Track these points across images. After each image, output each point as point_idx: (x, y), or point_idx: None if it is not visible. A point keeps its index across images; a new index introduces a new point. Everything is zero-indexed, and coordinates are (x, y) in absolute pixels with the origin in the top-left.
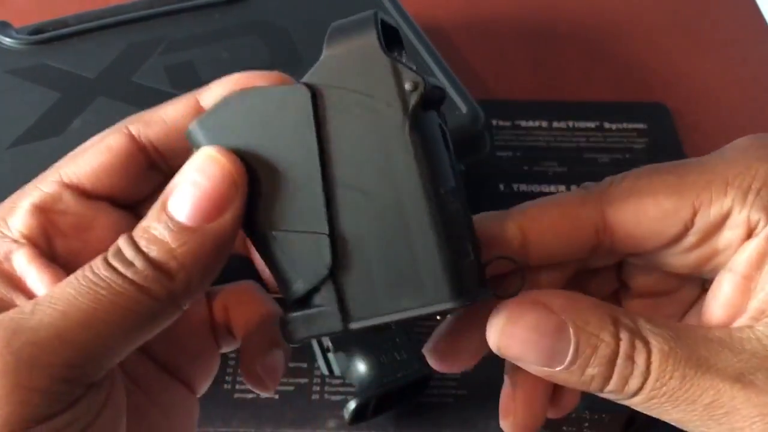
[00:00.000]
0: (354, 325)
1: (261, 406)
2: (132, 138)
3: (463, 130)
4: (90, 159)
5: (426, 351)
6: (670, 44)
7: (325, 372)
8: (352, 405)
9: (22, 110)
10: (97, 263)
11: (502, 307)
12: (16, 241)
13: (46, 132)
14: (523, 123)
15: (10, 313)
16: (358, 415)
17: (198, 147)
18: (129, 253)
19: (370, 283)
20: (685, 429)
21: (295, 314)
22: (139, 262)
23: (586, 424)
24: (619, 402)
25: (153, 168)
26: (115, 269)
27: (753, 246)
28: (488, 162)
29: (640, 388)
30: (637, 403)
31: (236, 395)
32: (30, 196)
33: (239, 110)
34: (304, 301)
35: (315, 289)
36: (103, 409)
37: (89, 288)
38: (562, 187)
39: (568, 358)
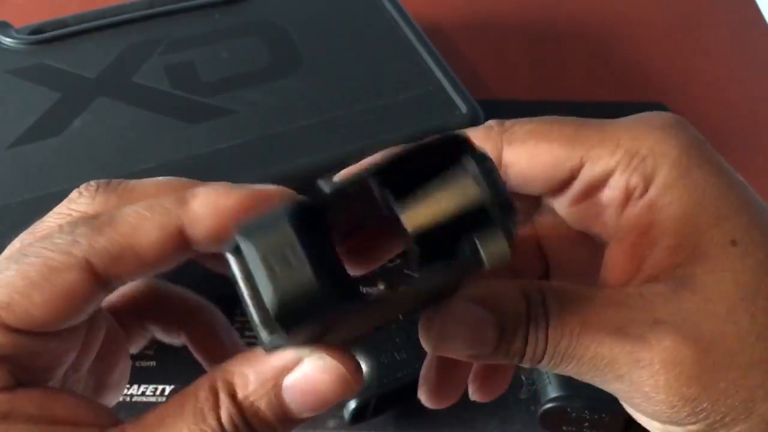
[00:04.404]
0: None
1: None
2: (95, 277)
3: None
4: (47, 306)
5: (422, 395)
6: (670, 44)
7: None
8: (352, 405)
9: (22, 110)
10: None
11: (434, 318)
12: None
13: (46, 132)
14: None
15: None
16: (358, 415)
17: None
18: (239, 422)
19: None
20: (583, 380)
21: None
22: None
23: (586, 424)
24: (533, 367)
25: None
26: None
27: (635, 214)
28: None
29: (544, 353)
30: (545, 366)
31: None
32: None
33: None
34: None
35: None
36: None
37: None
38: None
39: (495, 343)
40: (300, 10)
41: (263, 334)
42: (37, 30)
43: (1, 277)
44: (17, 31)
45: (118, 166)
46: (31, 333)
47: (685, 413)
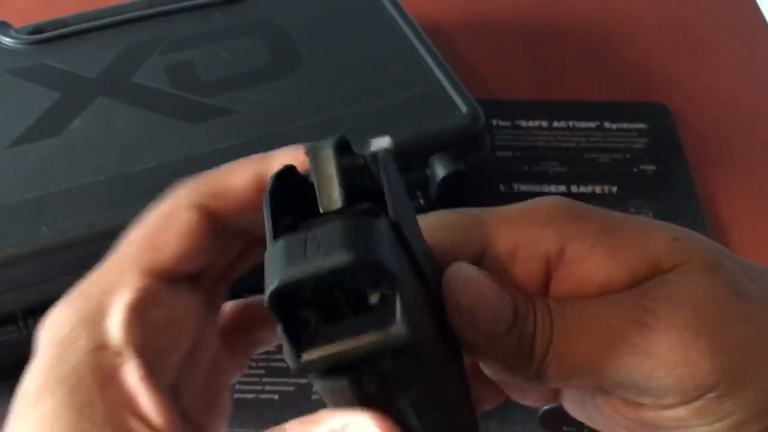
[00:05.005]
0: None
1: (261, 406)
2: (205, 213)
3: (463, 130)
4: (172, 243)
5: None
6: (671, 44)
7: None
8: None
9: (21, 110)
10: None
11: (458, 273)
12: (120, 354)
13: (46, 132)
14: (523, 123)
15: None
16: None
17: None
18: None
19: None
20: (599, 376)
21: None
22: None
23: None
24: (541, 377)
25: (218, 237)
26: None
27: (567, 274)
28: (488, 162)
29: (551, 326)
30: (553, 357)
31: (236, 395)
32: (121, 294)
33: None
34: None
35: None
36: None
37: None
38: (563, 187)
39: (511, 316)
40: (300, 10)
41: (392, 329)
42: (36, 30)
43: (135, 234)
44: (17, 31)
45: (118, 166)
46: (160, 276)
47: (708, 369)
